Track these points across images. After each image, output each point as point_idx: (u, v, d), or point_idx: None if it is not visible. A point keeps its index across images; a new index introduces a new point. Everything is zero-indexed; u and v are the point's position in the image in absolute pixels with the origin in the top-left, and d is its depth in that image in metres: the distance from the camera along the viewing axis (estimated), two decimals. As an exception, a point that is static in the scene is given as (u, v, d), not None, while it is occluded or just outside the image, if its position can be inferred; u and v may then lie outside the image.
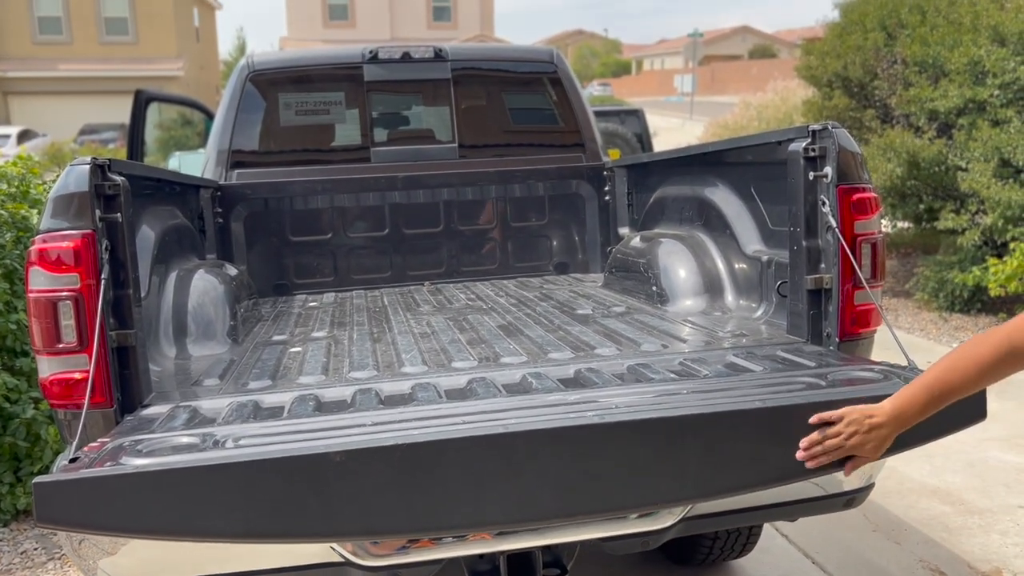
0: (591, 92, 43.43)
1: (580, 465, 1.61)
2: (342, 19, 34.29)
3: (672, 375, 2.14)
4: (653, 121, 10.61)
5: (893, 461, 4.05)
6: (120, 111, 25.16)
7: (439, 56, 4.20)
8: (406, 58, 4.17)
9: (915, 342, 6.31)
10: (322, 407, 1.99)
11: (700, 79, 40.86)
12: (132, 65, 28.24)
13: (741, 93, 25.40)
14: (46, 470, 3.85)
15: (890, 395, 1.70)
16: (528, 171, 4.25)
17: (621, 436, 1.63)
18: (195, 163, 5.93)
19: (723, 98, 35.31)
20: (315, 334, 2.98)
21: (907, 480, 4.01)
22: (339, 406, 1.99)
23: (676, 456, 1.67)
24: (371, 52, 4.15)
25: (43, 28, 28.27)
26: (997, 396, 5.01)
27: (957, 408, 1.70)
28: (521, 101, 4.60)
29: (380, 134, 4.31)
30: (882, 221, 7.82)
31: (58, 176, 2.04)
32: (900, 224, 8.18)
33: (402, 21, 34.60)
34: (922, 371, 1.94)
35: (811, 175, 2.31)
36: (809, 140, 2.31)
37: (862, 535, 3.51)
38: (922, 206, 7.09)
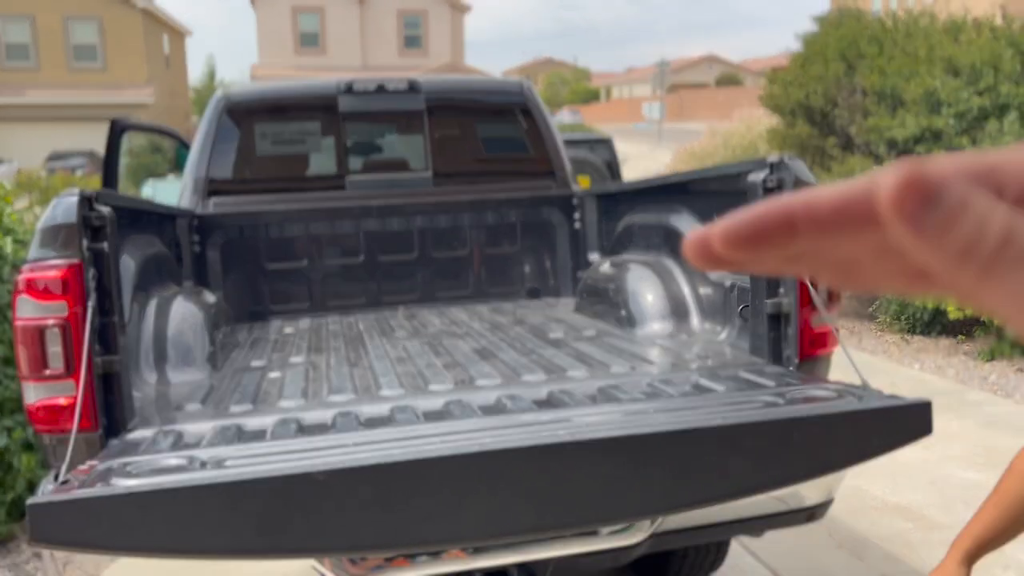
0: (561, 119, 43.87)
1: (553, 481, 1.69)
2: (313, 46, 34.39)
3: (640, 395, 2.24)
4: (622, 148, 10.80)
5: (856, 480, 4.18)
6: (88, 137, 24.94)
7: (413, 88, 4.31)
8: (381, 90, 4.26)
9: (878, 364, 6.47)
10: (304, 429, 2.06)
11: (668, 107, 41.48)
12: (101, 92, 28.12)
13: (708, 120, 25.84)
14: (18, 499, 3.84)
15: (844, 412, 1.81)
16: (500, 199, 4.35)
17: (592, 453, 1.72)
18: (168, 191, 5.94)
19: (691, 125, 35.88)
20: (293, 359, 3.04)
21: (870, 498, 4.13)
22: (320, 428, 2.06)
23: (644, 471, 1.76)
24: (346, 84, 4.24)
25: (10, 55, 28.08)
26: (957, 416, 5.17)
27: (902, 423, 1.81)
28: (493, 131, 4.71)
29: (355, 163, 4.39)
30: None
31: (30, 203, 2.10)
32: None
33: (373, 49, 34.80)
34: (874, 390, 2.05)
35: None
36: (768, 172, 2.44)
37: (827, 552, 3.62)
38: (883, 231, 7.30)
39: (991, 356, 6.22)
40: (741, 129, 14.66)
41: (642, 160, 22.75)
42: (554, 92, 65.21)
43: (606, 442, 1.73)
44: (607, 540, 2.14)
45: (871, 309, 7.64)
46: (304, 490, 1.56)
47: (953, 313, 6.07)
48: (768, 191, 2.44)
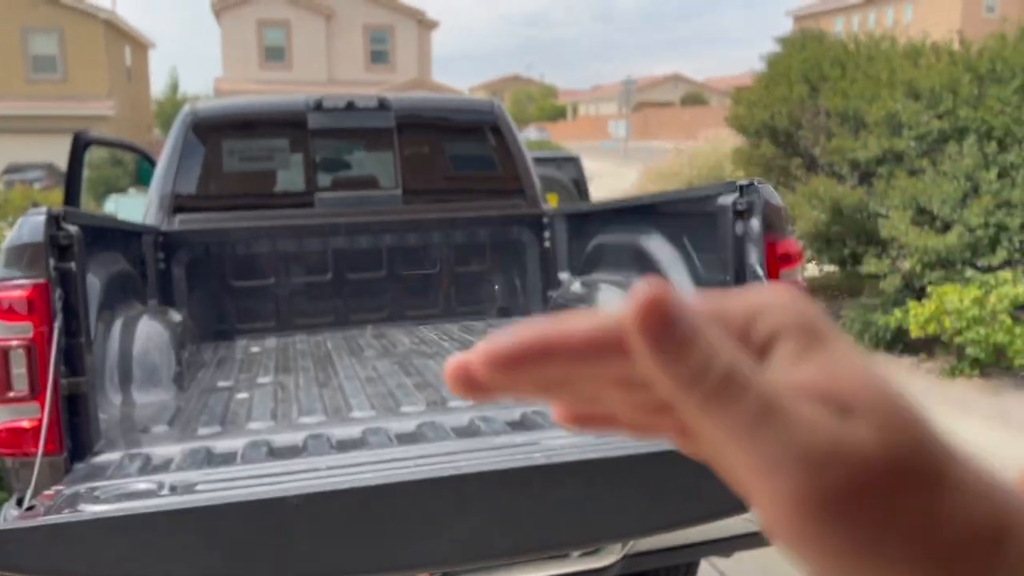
0: (528, 136, 44.06)
1: (529, 504, 1.69)
2: (278, 60, 34.18)
3: None
4: (589, 166, 10.86)
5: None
6: (47, 150, 24.47)
7: (383, 105, 4.30)
8: (350, 107, 4.25)
9: (842, 381, 6.55)
10: (275, 452, 2.03)
11: (634, 125, 41.89)
12: (61, 104, 27.66)
13: (673, 139, 26.13)
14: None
15: None
16: (470, 217, 4.35)
17: (567, 476, 1.72)
18: (131, 206, 5.86)
19: (656, 143, 36.22)
20: (260, 380, 3.00)
21: (836, 515, 4.17)
22: (292, 451, 2.03)
23: (619, 494, 1.76)
24: (315, 101, 4.23)
25: (-32, 65, 27.57)
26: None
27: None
28: (463, 149, 4.72)
29: (324, 180, 4.37)
30: (809, 265, 8.17)
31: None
32: (827, 268, 8.52)
33: (339, 64, 34.69)
34: None
35: (739, 227, 2.46)
36: (737, 195, 2.47)
37: (796, 570, 3.64)
38: (846, 251, 7.42)
39: (952, 374, 6.34)
40: (707, 149, 14.85)
41: (609, 178, 22.92)
42: (521, 109, 65.49)
43: (581, 465, 1.73)
44: (579, 563, 2.14)
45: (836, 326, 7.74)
46: (278, 515, 1.54)
47: (915, 331, 6.18)
48: (737, 214, 2.47)
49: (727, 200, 2.50)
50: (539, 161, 8.62)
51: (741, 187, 2.47)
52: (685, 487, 1.81)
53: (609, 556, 2.17)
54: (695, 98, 59.87)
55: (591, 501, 1.75)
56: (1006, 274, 5.94)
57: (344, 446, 2.06)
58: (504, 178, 4.49)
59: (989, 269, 6.17)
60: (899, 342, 7.08)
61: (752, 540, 2.38)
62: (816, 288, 9.36)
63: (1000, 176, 6.23)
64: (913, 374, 6.64)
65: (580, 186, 9.10)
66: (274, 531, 1.53)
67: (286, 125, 4.31)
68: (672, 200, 3.15)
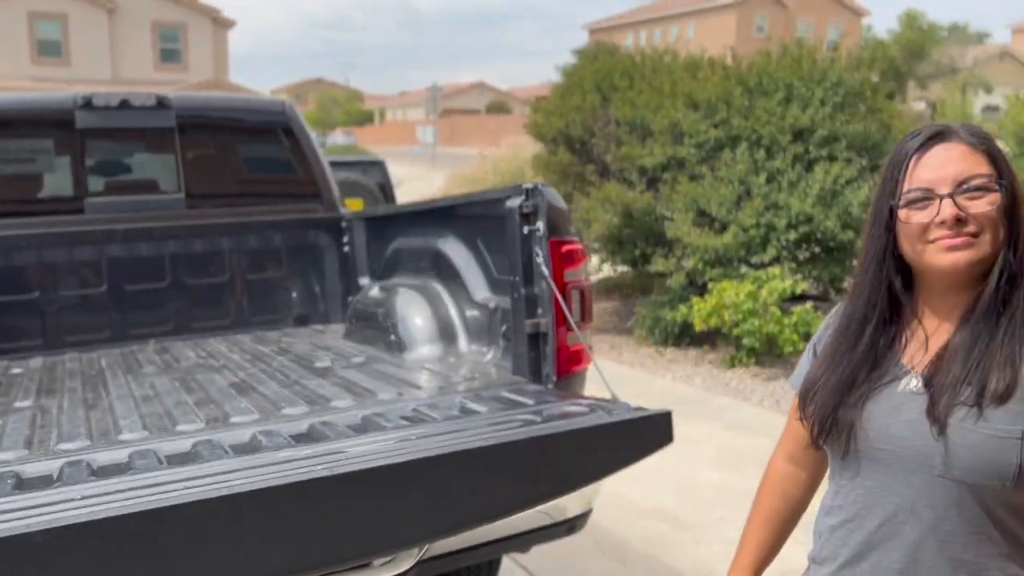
0: (334, 141, 43.23)
1: (312, 519, 1.61)
2: (54, 56, 31.43)
3: (405, 422, 2.21)
4: (397, 171, 10.81)
5: (615, 486, 4.39)
6: None
7: (162, 104, 4.04)
8: (124, 105, 3.96)
9: (636, 375, 6.90)
10: (23, 484, 1.83)
11: (441, 131, 42.20)
12: None
13: (479, 146, 26.55)
14: None
15: (595, 426, 1.89)
16: (263, 222, 4.17)
17: (351, 486, 1.66)
18: None
19: (462, 150, 36.67)
20: (17, 404, 2.71)
21: (628, 502, 4.36)
22: (44, 482, 1.84)
23: (406, 500, 1.73)
24: (84, 98, 3.90)
25: None
26: (704, 420, 5.61)
27: (648, 432, 1.93)
28: (253, 151, 4.52)
29: (96, 184, 4.03)
30: (604, 265, 8.55)
31: None
32: (621, 268, 8.95)
33: (125, 61, 32.41)
34: (623, 403, 2.16)
35: (526, 229, 2.51)
36: (523, 198, 2.53)
37: (593, 559, 3.77)
38: (637, 251, 7.82)
39: (732, 364, 6.84)
40: (509, 155, 15.20)
41: (417, 183, 22.94)
42: (326, 113, 64.21)
43: (365, 474, 1.68)
44: (376, 572, 2.09)
45: (629, 324, 8.15)
46: (21, 554, 1.38)
47: (699, 325, 6.61)
48: (524, 216, 2.52)
49: (514, 203, 2.54)
50: (344, 165, 8.47)
51: (527, 190, 2.52)
52: (474, 487, 1.81)
53: (405, 562, 2.13)
54: (499, 106, 61.28)
55: (379, 509, 1.70)
56: (775, 270, 6.49)
57: (105, 472, 1.89)
58: (299, 181, 4.35)
59: (761, 266, 6.71)
60: (686, 336, 7.56)
61: (547, 533, 2.44)
62: (611, 287, 9.81)
63: (768, 181, 6.80)
64: (699, 365, 7.11)
65: (386, 191, 9.02)
66: (16, 573, 1.37)
67: (50, 124, 3.94)
68: (465, 203, 3.18)
